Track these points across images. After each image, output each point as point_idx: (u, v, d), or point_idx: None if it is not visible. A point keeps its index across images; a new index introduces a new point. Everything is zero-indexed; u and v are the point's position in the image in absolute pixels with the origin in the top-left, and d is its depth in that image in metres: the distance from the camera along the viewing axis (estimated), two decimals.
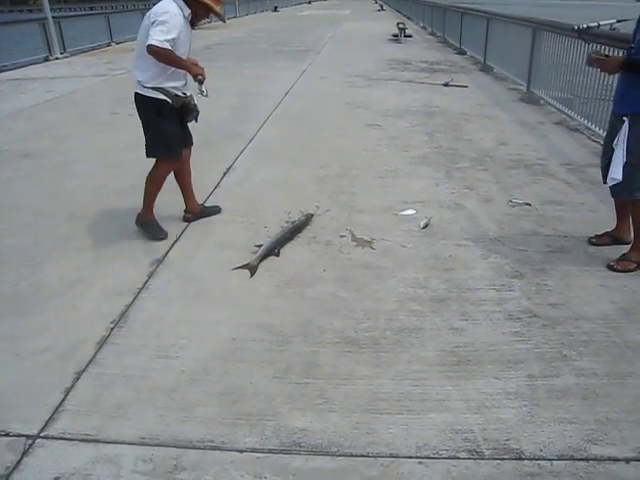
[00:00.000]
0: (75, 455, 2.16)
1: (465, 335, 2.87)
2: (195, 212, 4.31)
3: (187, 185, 4.28)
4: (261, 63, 12.84)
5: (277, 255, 3.65)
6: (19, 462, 2.13)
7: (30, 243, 3.97)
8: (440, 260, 3.63)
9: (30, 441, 2.23)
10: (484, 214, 4.32)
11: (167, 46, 3.47)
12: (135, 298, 3.26)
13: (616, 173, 3.38)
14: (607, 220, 3.95)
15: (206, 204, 4.51)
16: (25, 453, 2.17)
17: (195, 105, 3.93)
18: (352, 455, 2.15)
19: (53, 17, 14.57)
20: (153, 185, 4.03)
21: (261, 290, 3.32)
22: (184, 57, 3.70)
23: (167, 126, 3.83)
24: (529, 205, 4.44)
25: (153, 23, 3.50)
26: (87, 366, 2.68)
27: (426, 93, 9.07)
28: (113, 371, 2.64)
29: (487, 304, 3.14)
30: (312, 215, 4.27)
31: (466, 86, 9.69)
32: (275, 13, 41.42)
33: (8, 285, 3.43)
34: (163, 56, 3.51)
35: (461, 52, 14.44)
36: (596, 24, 5.96)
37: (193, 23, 3.80)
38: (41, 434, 2.27)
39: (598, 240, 3.82)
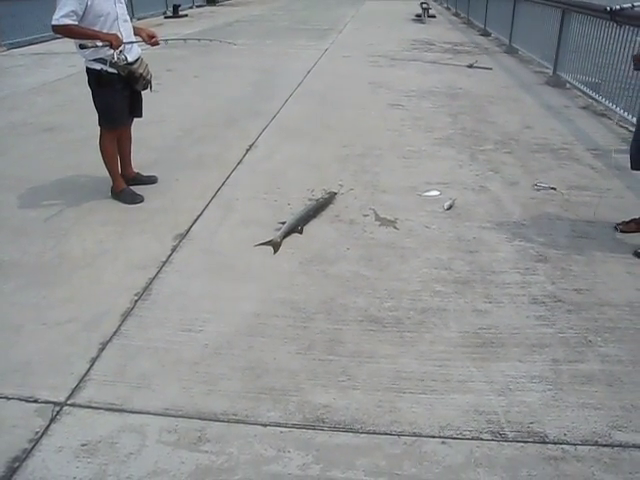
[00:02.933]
0: (101, 423, 2.19)
1: (489, 317, 2.85)
2: (130, 177, 4.40)
3: (125, 152, 4.38)
4: (282, 41, 12.74)
5: (300, 232, 3.64)
6: (47, 428, 2.16)
7: (54, 215, 4.00)
8: (464, 242, 3.61)
9: (58, 408, 2.26)
10: (508, 197, 4.27)
11: (65, 22, 3.58)
12: (159, 272, 3.27)
13: None
14: (634, 206, 3.89)
15: (227, 181, 4.51)
16: (53, 420, 2.20)
17: (142, 74, 3.94)
18: (375, 432, 2.16)
19: None
20: (105, 155, 4.16)
21: (284, 267, 3.32)
22: (110, 19, 3.76)
23: (106, 96, 3.92)
24: (554, 189, 4.38)
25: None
26: (112, 337, 2.70)
27: (450, 74, 8.96)
28: (137, 343, 2.66)
29: (511, 287, 3.11)
30: (335, 194, 4.25)
31: (490, 68, 9.55)
32: None
33: (33, 256, 3.46)
34: (64, 33, 3.68)
35: (485, 33, 14.19)
36: (630, 5, 5.84)
37: None
38: (68, 402, 2.30)
39: (624, 227, 3.77)
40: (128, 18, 4.01)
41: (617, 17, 6.13)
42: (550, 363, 2.54)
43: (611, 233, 3.74)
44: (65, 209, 4.09)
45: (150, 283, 3.16)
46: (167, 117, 6.28)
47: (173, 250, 3.52)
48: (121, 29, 3.84)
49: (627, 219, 3.80)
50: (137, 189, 4.29)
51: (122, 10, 3.91)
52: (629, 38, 6.08)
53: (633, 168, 3.72)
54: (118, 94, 3.94)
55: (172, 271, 3.29)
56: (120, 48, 3.73)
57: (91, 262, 3.39)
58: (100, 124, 4.07)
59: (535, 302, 2.98)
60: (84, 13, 3.65)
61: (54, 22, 3.60)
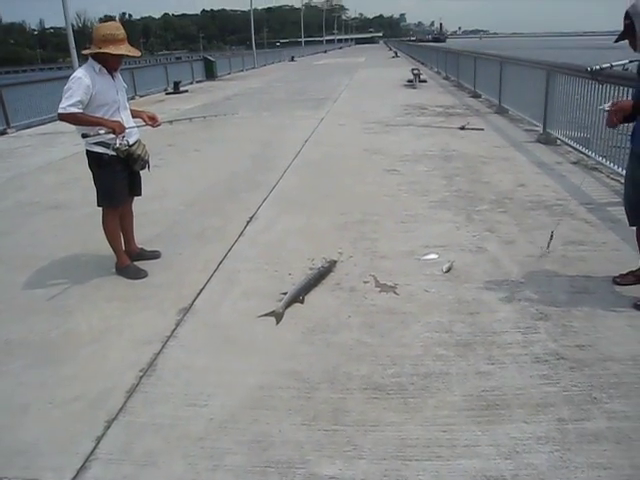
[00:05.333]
0: None
1: (492, 379, 2.86)
2: (133, 253, 4.50)
3: (127, 229, 4.50)
4: (280, 112, 13.13)
5: (302, 302, 3.69)
6: None
7: (60, 293, 4.07)
8: (464, 304, 3.64)
9: None
10: (506, 256, 4.33)
11: (71, 110, 3.79)
12: (163, 347, 3.31)
13: None
14: (630, 259, 3.93)
15: (229, 254, 4.59)
16: None
17: (140, 155, 4.11)
18: None
19: None
20: (108, 234, 4.31)
21: (287, 337, 3.35)
22: (113, 107, 4.00)
23: (107, 177, 4.09)
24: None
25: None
26: (117, 414, 2.71)
27: (443, 137, 9.18)
28: (143, 419, 2.67)
29: (513, 347, 3.13)
30: (335, 262, 4.32)
31: (482, 129, 9.81)
32: (292, 63, 42.65)
33: (39, 335, 3.51)
34: (69, 120, 3.87)
35: (476, 95, 14.63)
36: (609, 65, 6.09)
37: (113, 70, 4.04)
38: None
39: (622, 279, 3.81)
40: (128, 105, 4.24)
41: (598, 76, 6.36)
42: (556, 423, 2.53)
43: (610, 287, 3.77)
44: (70, 286, 4.16)
45: (155, 358, 3.19)
46: (169, 191, 6.44)
47: (177, 324, 3.56)
48: (122, 116, 4.06)
49: (624, 271, 3.84)
50: (141, 264, 4.39)
51: (123, 98, 4.14)
52: (611, 94, 6.31)
53: (631, 224, 3.79)
54: (118, 175, 4.10)
55: (177, 345, 3.32)
56: (123, 134, 3.92)
57: (96, 339, 3.43)
58: (100, 204, 4.22)
59: (538, 361, 2.99)
60: (88, 102, 3.85)
61: (61, 110, 3.80)
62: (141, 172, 4.31)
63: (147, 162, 4.20)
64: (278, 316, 3.53)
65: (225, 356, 3.18)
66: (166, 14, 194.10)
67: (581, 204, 5.50)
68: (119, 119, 3.99)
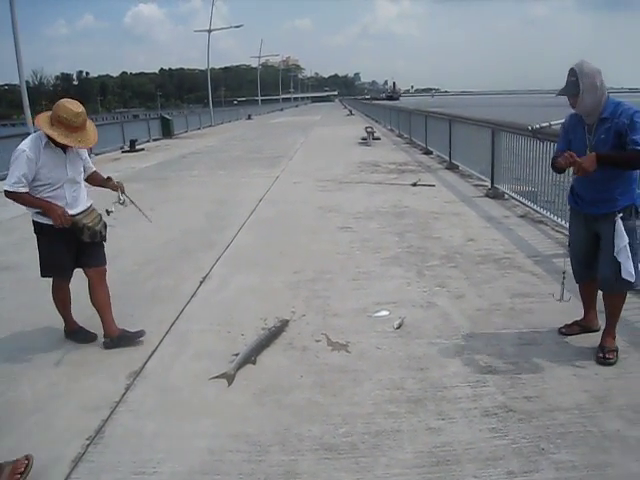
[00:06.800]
0: None
1: (442, 435, 2.88)
2: (112, 336, 4.11)
3: (101, 306, 4.13)
4: (236, 170, 13.25)
5: (254, 363, 3.67)
6: None
7: (5, 358, 3.95)
8: (414, 360, 3.69)
9: None
10: (456, 311, 4.42)
11: (18, 189, 3.66)
12: (112, 412, 3.23)
13: (630, 269, 3.43)
14: (575, 309, 4.03)
15: (182, 314, 4.55)
16: None
17: (86, 224, 3.90)
18: None
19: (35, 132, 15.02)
20: (55, 301, 4.19)
21: (239, 399, 3.32)
22: (57, 184, 3.79)
23: (44, 246, 3.94)
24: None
25: None
26: None
27: (395, 194, 9.39)
28: None
29: (463, 401, 3.17)
30: (288, 321, 4.33)
31: (433, 185, 10.08)
32: (249, 121, 43.34)
33: None
34: (15, 200, 3.74)
35: (427, 152, 15.08)
36: (547, 124, 6.48)
37: (63, 146, 3.79)
38: None
39: (568, 330, 3.93)
40: (81, 178, 4.02)
41: (538, 134, 6.76)
42: (505, 476, 2.57)
43: (556, 337, 3.89)
44: (16, 351, 4.04)
45: (103, 425, 3.11)
46: (122, 251, 6.37)
47: (127, 389, 3.49)
48: (68, 192, 3.87)
49: (569, 322, 3.97)
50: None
51: (74, 172, 3.91)
52: (551, 150, 6.66)
53: (577, 281, 3.96)
54: (56, 245, 3.88)
55: (125, 411, 3.25)
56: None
57: (42, 406, 3.32)
58: (42, 274, 4.03)
59: (487, 414, 3.04)
60: (33, 176, 3.72)
61: (7, 188, 3.66)
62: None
63: (98, 232, 3.98)
64: (230, 378, 3.51)
65: (175, 420, 3.13)
66: (124, 72, 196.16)
67: (528, 257, 5.69)
68: (64, 196, 3.84)
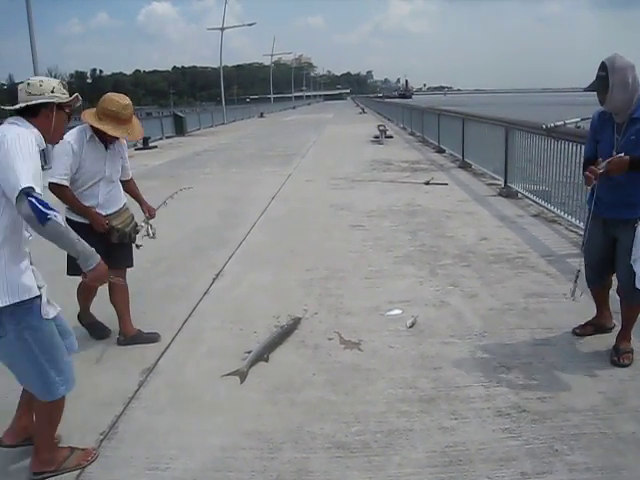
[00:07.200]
0: None
1: (455, 434, 2.87)
2: (127, 335, 4.12)
3: (120, 306, 4.11)
4: (248, 168, 13.27)
5: (266, 360, 3.68)
6: None
7: None
8: (427, 359, 3.68)
9: None
10: (469, 310, 4.40)
11: (60, 181, 3.59)
12: (125, 408, 3.25)
13: None
14: (589, 309, 3.99)
15: (194, 312, 4.56)
16: None
17: (115, 226, 3.85)
18: None
19: None
20: (79, 296, 4.13)
21: (251, 397, 3.33)
22: (94, 179, 3.74)
23: None
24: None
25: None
26: None
27: (408, 192, 9.37)
28: None
29: (476, 401, 3.16)
30: (300, 319, 4.34)
31: (446, 184, 10.04)
32: (261, 119, 43.36)
33: None
34: (56, 193, 3.63)
35: (440, 150, 15.02)
36: (562, 122, 6.43)
37: (106, 142, 3.78)
38: None
39: (582, 330, 3.90)
40: (117, 177, 3.97)
41: (553, 133, 6.71)
42: (518, 477, 2.55)
43: (570, 338, 3.86)
44: None
45: (116, 421, 3.13)
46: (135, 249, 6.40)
47: (140, 385, 3.51)
48: (103, 190, 3.82)
49: (583, 322, 3.93)
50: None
51: (112, 170, 3.86)
52: (565, 150, 6.62)
53: (589, 285, 3.87)
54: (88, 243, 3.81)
55: (139, 407, 3.27)
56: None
57: None
58: (68, 273, 3.81)
59: (500, 415, 3.02)
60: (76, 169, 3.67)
61: (53, 180, 3.59)
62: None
63: (127, 234, 3.94)
64: (242, 375, 3.51)
65: (188, 417, 3.14)
66: (137, 70, 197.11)
67: (541, 256, 5.65)
68: (97, 196, 3.79)
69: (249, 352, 3.73)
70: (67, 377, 2.63)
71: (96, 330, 4.22)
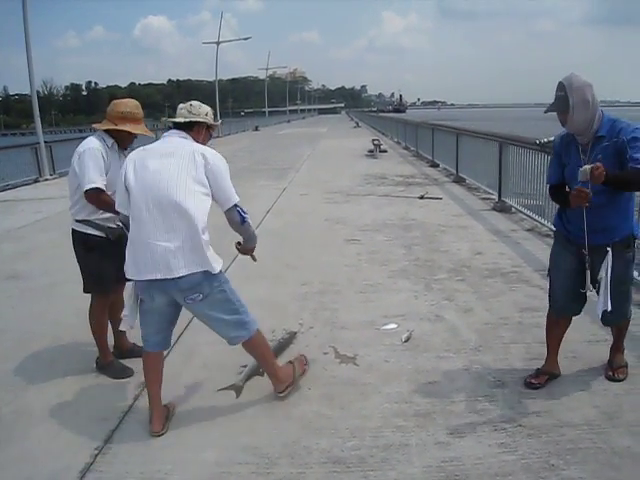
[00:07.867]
0: None
1: (451, 449, 2.87)
2: (123, 349, 4.08)
3: (117, 319, 3.80)
4: (243, 182, 13.20)
5: (262, 375, 3.66)
6: None
7: (14, 368, 3.96)
8: (423, 373, 3.68)
9: None
10: (464, 325, 4.41)
11: (99, 185, 3.49)
12: (120, 422, 3.24)
13: (606, 304, 3.21)
14: (582, 323, 3.97)
15: (189, 326, 4.53)
16: None
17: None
18: None
19: (45, 142, 15.25)
20: (94, 324, 3.87)
21: (247, 411, 3.32)
22: (113, 189, 3.47)
23: (95, 260, 3.69)
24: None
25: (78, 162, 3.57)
26: None
27: (402, 206, 9.40)
28: None
29: (471, 416, 3.16)
30: (295, 333, 4.34)
31: (440, 198, 10.08)
32: (256, 132, 43.50)
33: None
34: (94, 199, 3.53)
35: (434, 165, 15.10)
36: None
37: (124, 148, 3.77)
38: None
39: (536, 380, 3.54)
40: None
41: (546, 148, 6.76)
42: None
43: (564, 352, 3.80)
44: (25, 361, 4.06)
45: (111, 435, 3.11)
46: None
47: (135, 399, 3.50)
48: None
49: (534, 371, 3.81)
50: (128, 362, 3.97)
51: None
52: None
53: (568, 314, 3.66)
54: (106, 259, 3.65)
55: (134, 421, 3.26)
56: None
57: (50, 416, 3.33)
58: (86, 290, 3.82)
59: (496, 429, 3.02)
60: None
61: (90, 186, 3.48)
62: None
63: None
64: (238, 389, 3.50)
65: (183, 431, 3.13)
66: (132, 83, 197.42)
67: (535, 270, 5.67)
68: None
69: (245, 366, 3.71)
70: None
71: (115, 368, 3.90)
